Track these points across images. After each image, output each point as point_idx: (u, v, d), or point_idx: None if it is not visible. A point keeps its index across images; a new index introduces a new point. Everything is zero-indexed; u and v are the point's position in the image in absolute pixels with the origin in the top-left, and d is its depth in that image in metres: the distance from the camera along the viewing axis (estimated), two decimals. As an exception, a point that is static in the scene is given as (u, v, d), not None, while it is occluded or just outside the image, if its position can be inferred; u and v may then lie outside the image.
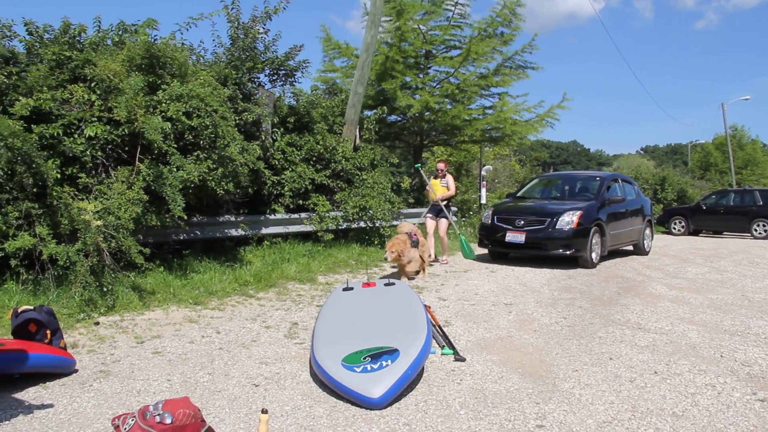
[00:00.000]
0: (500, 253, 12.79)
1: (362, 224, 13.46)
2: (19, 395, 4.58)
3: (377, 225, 13.59)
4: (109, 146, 8.28)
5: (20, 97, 7.70)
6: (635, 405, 4.57)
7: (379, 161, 14.96)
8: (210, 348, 5.89)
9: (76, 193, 7.88)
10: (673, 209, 25.66)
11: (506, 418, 4.34)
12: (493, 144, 23.29)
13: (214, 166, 9.09)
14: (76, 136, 8.03)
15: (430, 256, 11.37)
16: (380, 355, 4.87)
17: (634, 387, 4.97)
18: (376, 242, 13.41)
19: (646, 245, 14.86)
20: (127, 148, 8.47)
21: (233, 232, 10.80)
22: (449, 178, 12.22)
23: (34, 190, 7.38)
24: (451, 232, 14.04)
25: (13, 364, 4.66)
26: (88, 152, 8.00)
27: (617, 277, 11.00)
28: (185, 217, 8.56)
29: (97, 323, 6.50)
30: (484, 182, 22.24)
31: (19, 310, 5.22)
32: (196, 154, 8.97)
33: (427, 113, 18.82)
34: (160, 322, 6.72)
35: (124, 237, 7.36)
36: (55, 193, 7.45)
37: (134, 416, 3.77)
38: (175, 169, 8.34)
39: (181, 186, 8.24)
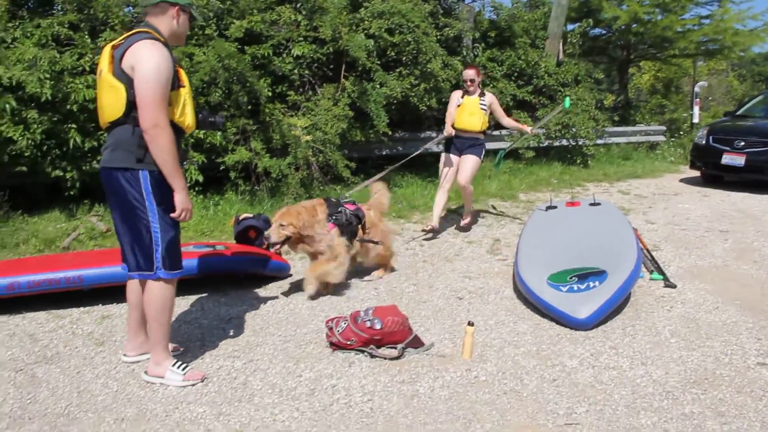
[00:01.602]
0: (714, 176, 11.56)
1: (564, 142, 12.84)
2: (243, 294, 4.93)
3: (580, 144, 12.89)
4: (315, 65, 8.49)
5: (234, 21, 8.06)
6: None
7: (583, 77, 14.09)
8: (414, 260, 5.94)
9: (286, 109, 8.21)
10: None
11: (722, 352, 3.95)
12: (708, 58, 20.96)
13: (417, 82, 9.05)
14: (284, 55, 8.30)
15: (428, 226, 6.79)
16: (587, 275, 4.62)
17: None
18: (578, 161, 12.76)
19: None
20: (332, 66, 8.65)
21: (435, 148, 10.77)
22: (491, 99, 7.03)
23: (249, 107, 7.79)
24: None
25: (244, 264, 5.04)
26: (295, 71, 8.26)
27: None
28: (389, 133, 8.66)
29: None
30: (697, 100, 20.21)
31: (240, 218, 5.58)
32: (398, 70, 8.97)
33: (634, 25, 17.26)
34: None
35: (331, 151, 7.60)
36: (267, 110, 7.81)
37: (346, 320, 3.88)
38: (378, 86, 8.41)
39: (384, 102, 8.31)
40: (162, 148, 3.20)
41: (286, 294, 4.95)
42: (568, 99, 7.10)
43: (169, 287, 3.45)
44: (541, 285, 4.61)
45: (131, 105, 3.19)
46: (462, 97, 6.92)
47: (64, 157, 6.80)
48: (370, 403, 3.27)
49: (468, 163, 6.82)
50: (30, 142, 6.50)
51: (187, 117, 3.39)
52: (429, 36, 9.26)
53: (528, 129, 7.19)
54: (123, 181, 3.26)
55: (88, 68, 7.00)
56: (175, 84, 3.29)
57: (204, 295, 4.88)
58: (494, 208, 8.50)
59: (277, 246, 4.76)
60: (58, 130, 6.75)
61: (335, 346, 3.86)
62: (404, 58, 9.03)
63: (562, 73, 13.13)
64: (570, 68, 13.55)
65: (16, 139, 6.45)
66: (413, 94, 9.01)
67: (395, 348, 3.80)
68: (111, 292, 4.57)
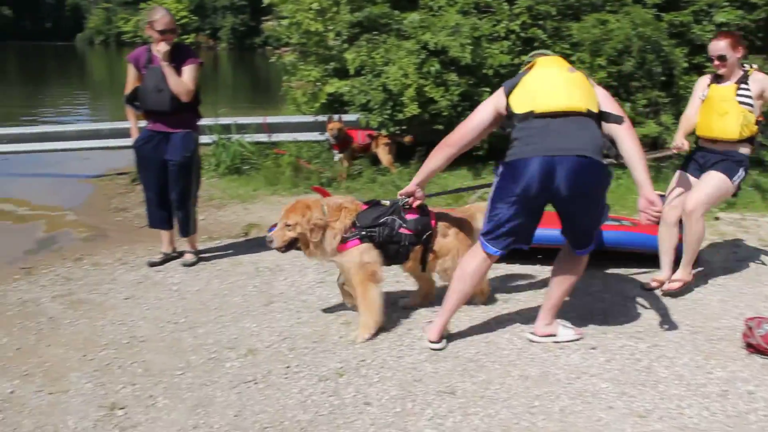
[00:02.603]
0: None
1: None
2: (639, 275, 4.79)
3: None
4: (741, 33, 7.68)
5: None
6: None
7: None
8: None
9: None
10: None
11: None
12: None
13: None
14: (704, 23, 7.66)
15: (653, 283, 4.57)
16: None
17: None
18: None
19: None
20: (761, 35, 7.73)
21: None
22: (764, 85, 4.33)
23: (662, 78, 7.41)
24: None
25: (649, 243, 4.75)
26: (717, 40, 7.58)
27: None
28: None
29: (717, 218, 6.30)
30: None
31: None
32: None
33: None
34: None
35: (751, 131, 6.87)
36: (682, 83, 7.36)
37: (771, 323, 3.53)
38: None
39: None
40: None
41: (694, 281, 4.61)
42: None
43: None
44: None
45: None
46: (709, 85, 4.49)
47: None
48: (798, 423, 2.94)
49: (708, 182, 4.34)
50: (448, 102, 7.14)
51: None
52: None
53: None
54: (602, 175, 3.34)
55: (503, 34, 7.38)
56: None
57: (607, 270, 4.85)
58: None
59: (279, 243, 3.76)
60: (472, 93, 7.29)
61: (753, 348, 3.53)
62: None
63: None
64: None
65: (437, 100, 7.14)
66: None
67: (828, 365, 3.34)
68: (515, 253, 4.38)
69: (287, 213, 3.73)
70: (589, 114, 3.28)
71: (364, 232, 3.74)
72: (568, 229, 3.52)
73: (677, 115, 7.25)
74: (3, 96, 20.46)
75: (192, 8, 69.54)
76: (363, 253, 3.72)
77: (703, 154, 4.47)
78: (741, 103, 4.27)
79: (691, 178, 4.48)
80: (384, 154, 7.71)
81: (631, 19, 7.16)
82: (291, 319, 4.04)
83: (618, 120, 3.32)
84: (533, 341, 3.66)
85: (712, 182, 4.32)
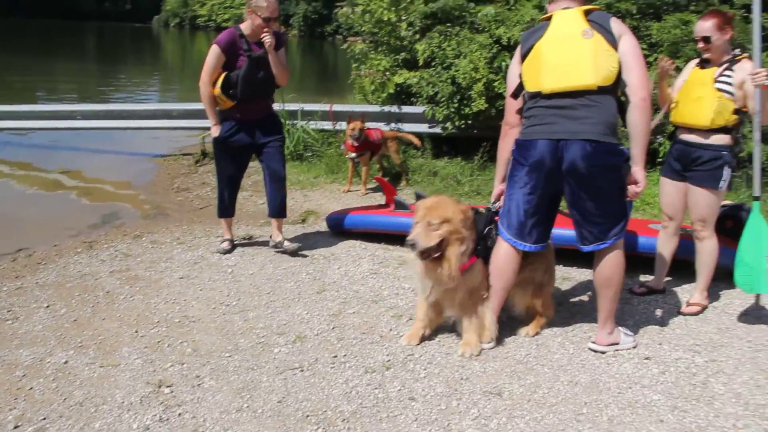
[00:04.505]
0: None
1: None
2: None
3: None
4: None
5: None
6: None
7: None
8: None
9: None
10: None
11: None
12: None
13: None
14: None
15: (640, 289, 4.40)
16: None
17: None
18: None
19: None
20: None
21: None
22: (745, 70, 3.81)
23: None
24: None
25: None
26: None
27: None
28: None
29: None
30: None
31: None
32: None
33: None
34: None
35: None
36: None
37: None
38: None
39: None
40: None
41: (759, 296, 4.34)
42: None
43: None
44: None
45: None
46: (699, 65, 4.10)
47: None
48: None
49: (697, 202, 4.01)
50: (513, 98, 6.96)
51: None
52: None
53: None
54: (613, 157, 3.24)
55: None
56: None
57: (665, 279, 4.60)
58: None
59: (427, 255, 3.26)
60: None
61: (824, 373, 3.30)
62: None
63: None
64: None
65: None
66: None
67: None
68: (571, 255, 4.39)
69: (430, 210, 3.24)
70: (600, 90, 3.17)
71: (479, 246, 3.44)
72: (576, 218, 3.39)
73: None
74: (81, 73, 21.21)
75: (265, -5, 70.40)
76: (483, 272, 3.45)
77: (680, 154, 4.05)
78: (720, 90, 3.87)
79: (678, 184, 4.11)
80: (396, 154, 7.36)
81: (717, 19, 6.83)
82: (342, 308, 3.99)
83: (630, 92, 3.18)
84: (596, 351, 3.51)
85: (702, 201, 3.99)
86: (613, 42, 3.18)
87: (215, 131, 4.75)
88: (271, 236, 5.03)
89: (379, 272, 4.60)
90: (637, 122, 3.19)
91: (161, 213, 6.13)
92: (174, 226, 5.65)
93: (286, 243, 4.90)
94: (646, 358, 3.46)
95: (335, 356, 3.38)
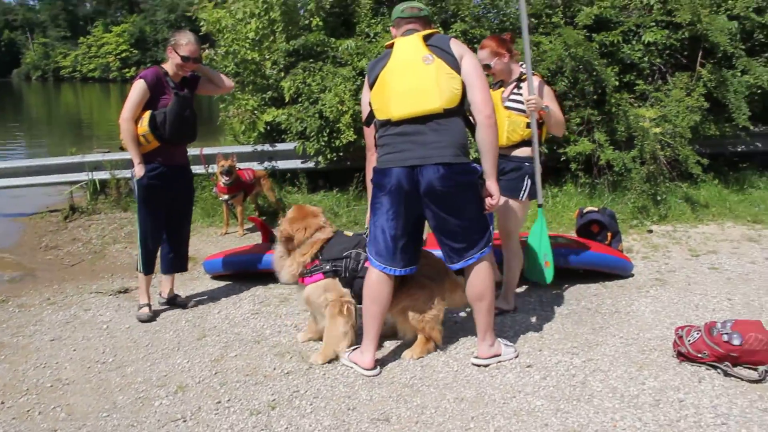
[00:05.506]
0: None
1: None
2: (581, 289, 4.84)
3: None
4: (667, 51, 7.92)
5: (583, 7, 7.86)
6: None
7: None
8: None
9: (634, 100, 7.81)
10: None
11: None
12: None
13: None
14: (633, 42, 7.88)
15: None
16: None
17: None
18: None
19: None
20: (686, 53, 7.99)
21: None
22: (535, 82, 4.05)
23: (594, 97, 7.57)
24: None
25: (585, 259, 4.91)
26: (645, 59, 7.79)
27: None
28: (750, 127, 7.73)
29: (651, 231, 6.43)
30: None
31: (585, 211, 5.47)
32: (766, 55, 7.92)
33: None
34: (714, 237, 6.28)
35: (681, 146, 7.05)
36: (613, 101, 7.51)
37: (699, 330, 3.58)
38: (739, 74, 7.56)
39: (747, 92, 7.43)
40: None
41: (627, 294, 4.74)
42: None
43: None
44: None
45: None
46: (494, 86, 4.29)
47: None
48: (725, 428, 2.96)
49: (500, 210, 4.15)
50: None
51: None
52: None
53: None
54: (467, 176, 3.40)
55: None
56: None
57: (541, 287, 4.86)
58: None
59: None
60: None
61: (683, 356, 3.57)
62: (775, 42, 7.93)
63: None
64: None
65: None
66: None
67: (755, 370, 3.39)
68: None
69: (290, 221, 3.88)
70: (447, 113, 3.31)
71: (333, 265, 3.77)
72: (440, 239, 3.52)
73: (610, 132, 7.44)
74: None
75: (132, 42, 68.85)
76: (333, 286, 3.75)
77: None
78: (509, 108, 4.08)
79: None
80: (270, 192, 7.36)
81: (564, 40, 7.31)
82: (224, 352, 3.93)
83: (475, 111, 3.32)
84: (479, 365, 3.62)
85: (511, 210, 4.19)
86: (455, 64, 3.31)
87: (140, 170, 4.38)
88: (160, 293, 4.81)
89: (260, 312, 4.57)
90: (485, 139, 3.34)
91: (29, 274, 5.80)
92: (43, 286, 5.37)
93: (185, 299, 4.82)
94: (528, 366, 3.60)
95: (219, 402, 3.31)
